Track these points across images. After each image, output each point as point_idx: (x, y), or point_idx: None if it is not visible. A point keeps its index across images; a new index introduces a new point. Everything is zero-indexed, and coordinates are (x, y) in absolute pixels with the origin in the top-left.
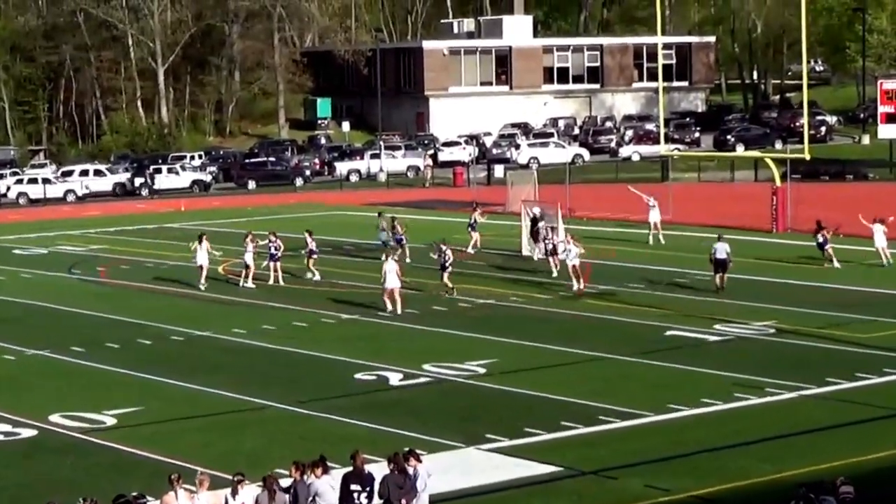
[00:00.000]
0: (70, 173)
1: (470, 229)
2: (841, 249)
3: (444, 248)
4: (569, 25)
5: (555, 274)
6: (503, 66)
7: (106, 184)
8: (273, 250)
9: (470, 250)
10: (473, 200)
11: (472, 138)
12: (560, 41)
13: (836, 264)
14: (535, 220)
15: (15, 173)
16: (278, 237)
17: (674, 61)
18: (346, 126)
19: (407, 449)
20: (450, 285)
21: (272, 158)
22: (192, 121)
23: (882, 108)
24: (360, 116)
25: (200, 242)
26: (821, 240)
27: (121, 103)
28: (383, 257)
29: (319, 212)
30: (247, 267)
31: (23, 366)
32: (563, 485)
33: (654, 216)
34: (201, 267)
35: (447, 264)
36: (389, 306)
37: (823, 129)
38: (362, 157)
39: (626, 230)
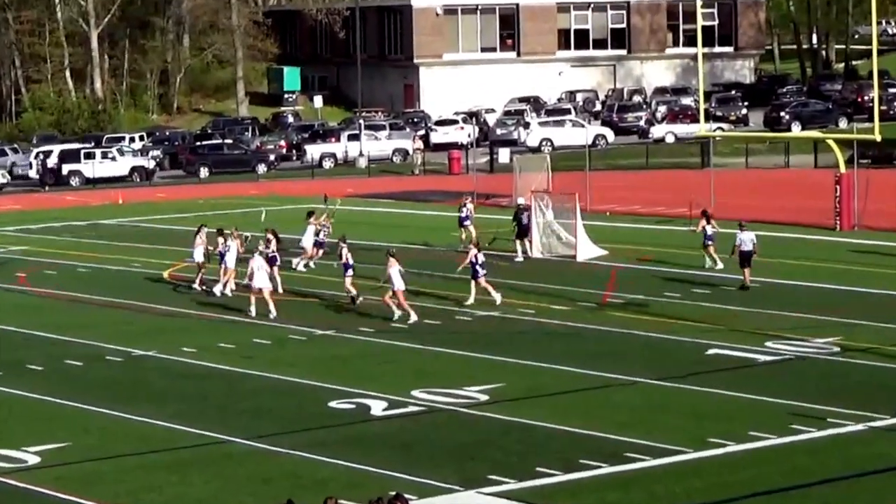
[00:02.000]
0: None
1: (463, 223)
2: None
3: (343, 247)
4: None
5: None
6: (509, 28)
7: (28, 171)
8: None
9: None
10: (471, 193)
11: (472, 116)
12: None
13: (720, 265)
14: (517, 213)
15: None
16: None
17: (716, 22)
18: (318, 101)
19: (393, 493)
20: (353, 291)
21: (229, 141)
22: (132, 95)
23: None
24: (336, 89)
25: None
26: (710, 232)
27: (45, 74)
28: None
29: (286, 205)
30: (225, 270)
31: None
32: None
33: None
34: (199, 265)
35: (349, 265)
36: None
37: None
38: (338, 139)
39: (659, 227)
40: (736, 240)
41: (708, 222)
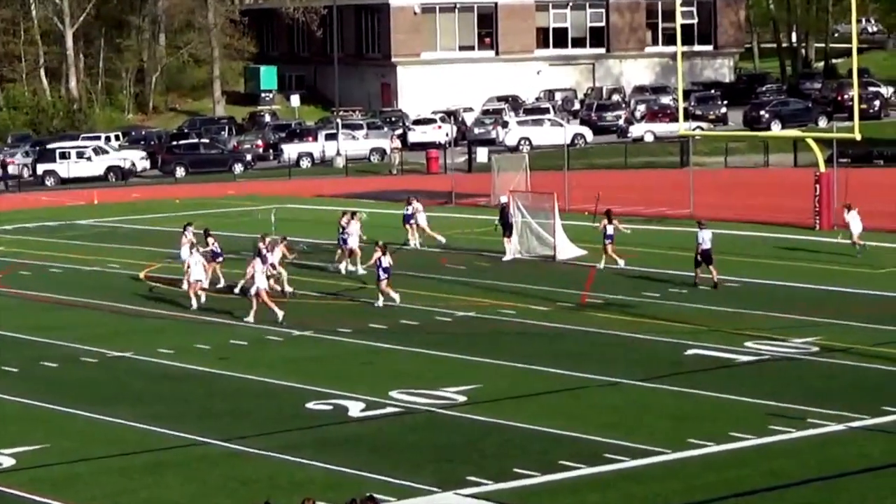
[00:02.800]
0: None
1: (408, 222)
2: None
3: (211, 243)
4: None
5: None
6: (487, 27)
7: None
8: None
9: (414, 244)
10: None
11: (450, 115)
12: None
13: (620, 262)
14: (503, 211)
15: None
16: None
17: (695, 20)
18: (295, 100)
19: (367, 494)
20: (392, 294)
21: (205, 140)
22: (108, 94)
23: None
24: (313, 89)
25: (207, 237)
26: (609, 231)
27: (19, 73)
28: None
29: (263, 204)
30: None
31: None
32: None
33: None
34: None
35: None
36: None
37: (877, 102)
38: (315, 139)
39: (638, 227)
40: (698, 238)
41: (610, 222)
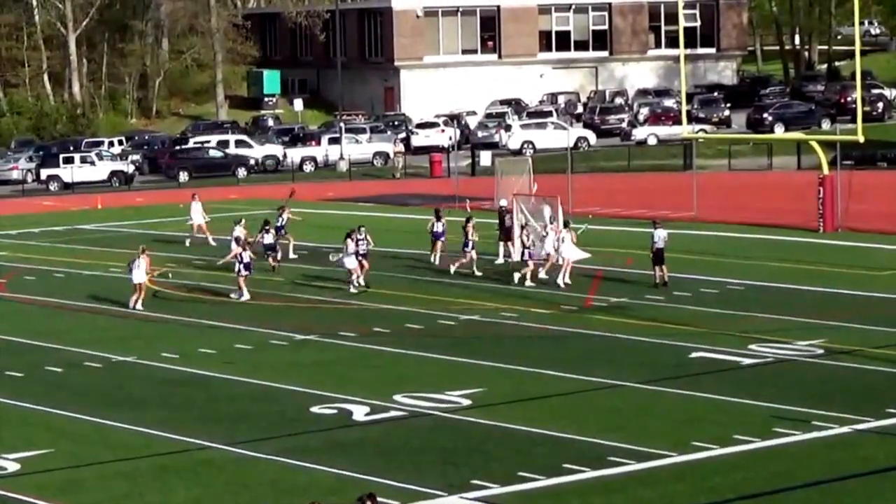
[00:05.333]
0: None
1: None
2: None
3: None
4: None
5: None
6: (490, 30)
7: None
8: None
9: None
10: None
11: (453, 119)
12: None
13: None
14: (501, 215)
15: None
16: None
17: (698, 23)
18: (298, 104)
19: (367, 493)
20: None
21: (209, 144)
22: (111, 99)
23: None
24: (316, 93)
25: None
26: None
27: (23, 78)
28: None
29: (266, 208)
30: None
31: None
32: None
33: None
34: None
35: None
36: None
37: (881, 105)
38: (318, 143)
39: (642, 230)
40: (653, 237)
41: (438, 219)
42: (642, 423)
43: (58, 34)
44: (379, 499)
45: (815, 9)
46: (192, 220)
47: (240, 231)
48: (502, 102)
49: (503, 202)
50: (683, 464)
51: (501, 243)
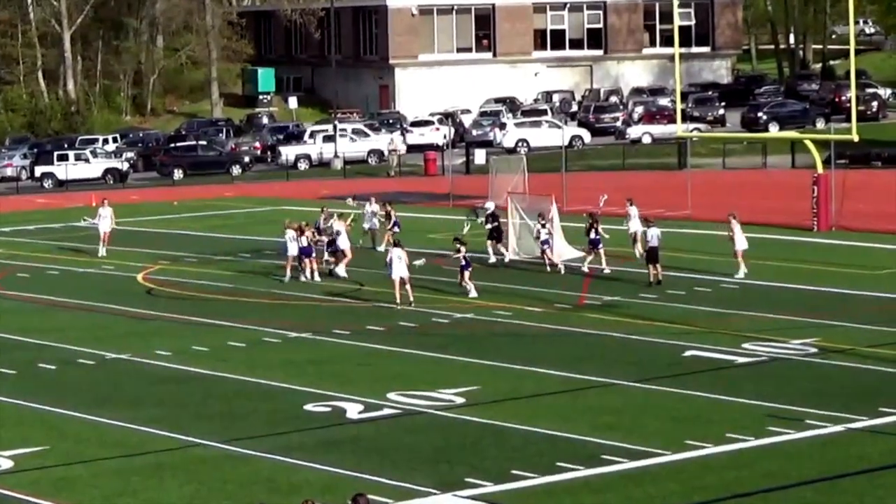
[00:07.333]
0: None
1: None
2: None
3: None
4: None
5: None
6: (485, 28)
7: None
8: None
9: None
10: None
11: (448, 117)
12: None
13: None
14: (495, 217)
15: None
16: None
17: (693, 22)
18: (293, 102)
19: (356, 493)
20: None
21: (203, 142)
22: (106, 96)
23: None
24: (311, 90)
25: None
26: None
27: (17, 75)
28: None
29: (261, 206)
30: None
31: None
32: None
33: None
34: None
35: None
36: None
37: (875, 104)
38: (313, 140)
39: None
40: (647, 236)
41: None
42: (636, 421)
43: (52, 31)
44: (373, 497)
45: (809, 8)
46: (98, 225)
47: (339, 225)
48: (497, 101)
49: (489, 205)
50: (677, 462)
51: (490, 243)
